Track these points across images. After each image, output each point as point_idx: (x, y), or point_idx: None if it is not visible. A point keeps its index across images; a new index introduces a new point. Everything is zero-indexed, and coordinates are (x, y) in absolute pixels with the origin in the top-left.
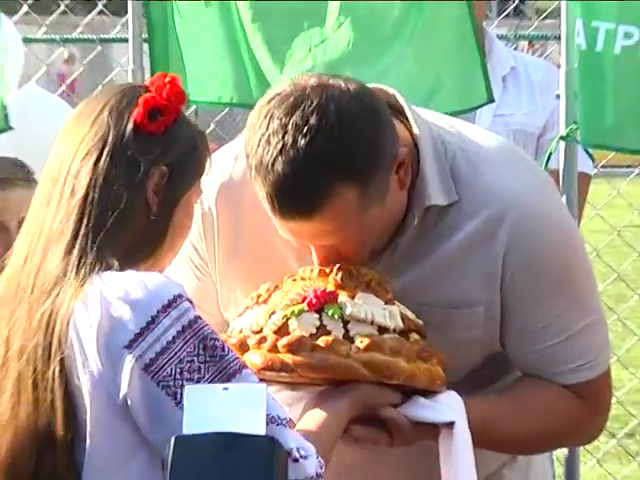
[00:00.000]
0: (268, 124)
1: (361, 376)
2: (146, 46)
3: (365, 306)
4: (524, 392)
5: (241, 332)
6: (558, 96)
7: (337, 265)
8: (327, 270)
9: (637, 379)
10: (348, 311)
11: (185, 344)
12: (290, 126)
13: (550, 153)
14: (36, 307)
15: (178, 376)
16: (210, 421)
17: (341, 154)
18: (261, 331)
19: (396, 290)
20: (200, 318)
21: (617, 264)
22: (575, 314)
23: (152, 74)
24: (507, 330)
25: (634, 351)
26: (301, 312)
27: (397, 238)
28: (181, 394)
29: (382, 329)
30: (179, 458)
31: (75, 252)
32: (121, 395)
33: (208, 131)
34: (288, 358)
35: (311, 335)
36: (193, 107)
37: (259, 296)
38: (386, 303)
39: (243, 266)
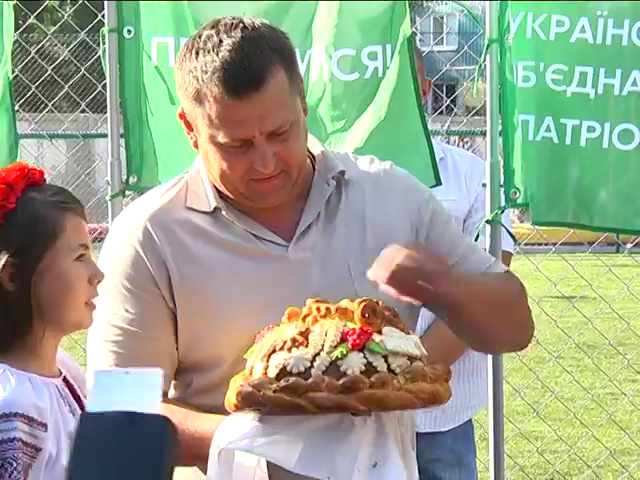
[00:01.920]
0: (199, 44)
1: (413, 405)
2: (123, 140)
3: (397, 339)
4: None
5: (283, 374)
6: (484, 185)
7: (362, 303)
8: (342, 307)
9: (554, 431)
10: (389, 346)
11: None
12: (221, 29)
13: (477, 235)
14: None
15: None
16: (112, 402)
17: (275, 40)
18: (307, 373)
19: (338, 246)
20: (16, 441)
21: (537, 331)
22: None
23: (127, 166)
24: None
25: (552, 406)
26: (347, 352)
27: (314, 207)
28: None
29: (411, 358)
30: (83, 433)
31: None
32: None
33: None
34: (350, 398)
35: (361, 373)
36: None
37: (294, 339)
38: (404, 332)
39: (203, 287)
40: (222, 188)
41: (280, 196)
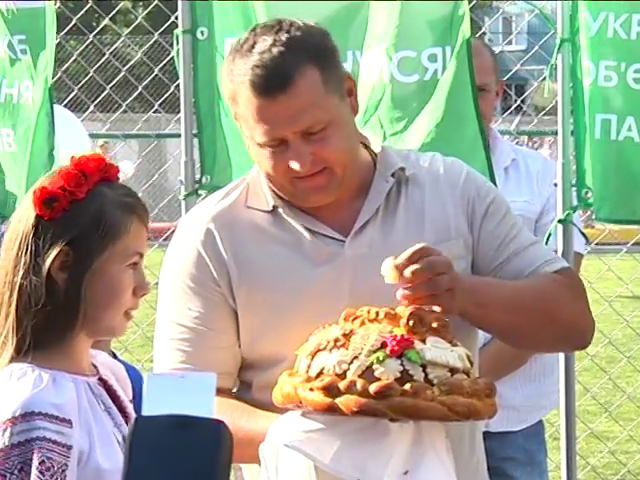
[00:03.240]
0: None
1: (446, 417)
2: (196, 140)
3: (439, 350)
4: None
5: (322, 374)
6: (556, 184)
7: (409, 311)
8: (392, 312)
9: (626, 431)
10: (428, 356)
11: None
12: (258, 32)
13: (549, 234)
14: None
15: None
16: (167, 405)
17: (309, 40)
18: (344, 375)
19: (396, 243)
20: (39, 441)
21: (608, 331)
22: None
23: (201, 165)
24: (482, 251)
25: (624, 406)
26: (384, 358)
27: (373, 204)
28: None
29: (452, 370)
30: (138, 436)
31: None
32: None
33: None
34: (379, 403)
35: (396, 380)
36: None
37: (337, 340)
38: (451, 344)
39: (262, 285)
40: (274, 187)
41: (326, 195)
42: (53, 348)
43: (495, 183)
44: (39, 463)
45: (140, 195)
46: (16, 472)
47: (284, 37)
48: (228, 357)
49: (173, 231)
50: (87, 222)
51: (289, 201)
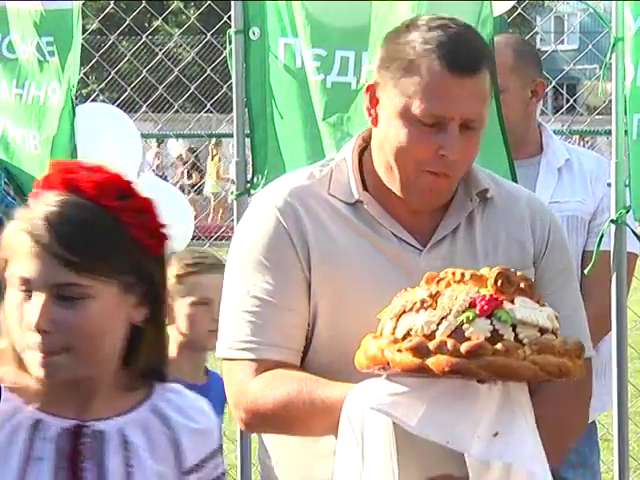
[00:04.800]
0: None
1: (538, 377)
2: (248, 140)
3: (528, 310)
4: None
5: (409, 334)
6: (609, 184)
7: (496, 271)
8: (478, 274)
9: None
10: (518, 316)
11: None
12: (440, 20)
13: (602, 235)
14: None
15: None
16: None
17: (487, 47)
18: (432, 335)
19: (468, 262)
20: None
21: None
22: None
23: (253, 165)
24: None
25: None
26: (474, 318)
27: (454, 220)
28: None
29: (542, 330)
30: None
31: None
32: None
33: None
34: (471, 363)
35: (486, 339)
36: None
37: (423, 301)
38: (539, 304)
39: (340, 270)
40: (385, 173)
41: (439, 199)
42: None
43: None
44: None
45: (191, 195)
46: None
47: (472, 30)
48: (299, 333)
49: (225, 230)
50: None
51: (375, 198)
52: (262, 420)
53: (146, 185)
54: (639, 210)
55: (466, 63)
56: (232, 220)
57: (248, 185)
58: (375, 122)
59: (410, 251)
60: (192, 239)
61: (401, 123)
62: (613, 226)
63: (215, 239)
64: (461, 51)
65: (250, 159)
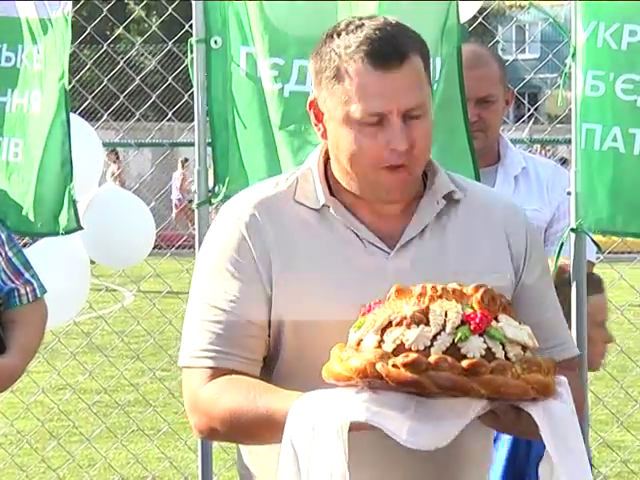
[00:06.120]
0: (344, 29)
1: (528, 395)
2: (209, 149)
3: (513, 328)
4: None
5: (399, 349)
6: (569, 193)
7: (482, 289)
8: (459, 289)
9: (638, 441)
10: (508, 334)
11: None
12: (363, 18)
13: (562, 243)
14: None
15: None
16: None
17: (411, 30)
18: (427, 351)
19: (437, 265)
20: None
21: (620, 339)
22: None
23: (214, 174)
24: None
25: (636, 416)
26: (468, 335)
27: (420, 220)
28: None
29: (524, 348)
30: None
31: None
32: None
33: None
34: (471, 380)
35: (482, 357)
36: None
37: (414, 317)
38: (519, 323)
39: (304, 276)
40: (347, 181)
41: (403, 192)
42: None
43: None
44: None
45: (153, 204)
46: None
47: (394, 21)
48: (258, 345)
49: (187, 239)
50: None
51: (341, 202)
52: (214, 427)
53: (107, 194)
54: (588, 219)
55: (389, 56)
56: (193, 229)
57: (210, 194)
58: (325, 136)
59: (378, 254)
60: (154, 248)
61: (346, 130)
62: (572, 234)
63: (178, 247)
64: (382, 46)
65: (211, 168)
